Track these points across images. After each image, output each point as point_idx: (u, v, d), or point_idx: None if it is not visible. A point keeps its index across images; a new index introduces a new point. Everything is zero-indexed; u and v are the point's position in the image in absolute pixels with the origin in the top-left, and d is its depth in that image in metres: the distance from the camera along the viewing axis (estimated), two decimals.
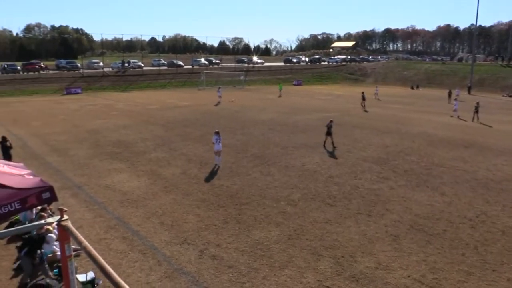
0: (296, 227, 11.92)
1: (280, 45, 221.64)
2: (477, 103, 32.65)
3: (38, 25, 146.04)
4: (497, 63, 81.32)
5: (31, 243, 9.28)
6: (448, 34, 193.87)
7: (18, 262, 9.84)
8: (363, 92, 40.75)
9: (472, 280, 9.18)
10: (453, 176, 16.99)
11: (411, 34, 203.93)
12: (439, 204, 13.81)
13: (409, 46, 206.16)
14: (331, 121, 22.60)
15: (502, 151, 21.49)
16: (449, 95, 46.98)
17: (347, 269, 9.59)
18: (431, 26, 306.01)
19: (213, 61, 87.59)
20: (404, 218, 12.58)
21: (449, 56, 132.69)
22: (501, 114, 34.74)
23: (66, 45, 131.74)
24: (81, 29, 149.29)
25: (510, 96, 56.98)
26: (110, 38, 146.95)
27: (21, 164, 10.98)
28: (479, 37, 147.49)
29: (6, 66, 65.60)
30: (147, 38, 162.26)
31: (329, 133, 22.15)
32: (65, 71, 67.74)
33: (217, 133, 18.11)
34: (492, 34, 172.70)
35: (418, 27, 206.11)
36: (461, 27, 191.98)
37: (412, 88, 69.33)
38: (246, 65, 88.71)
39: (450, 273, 9.45)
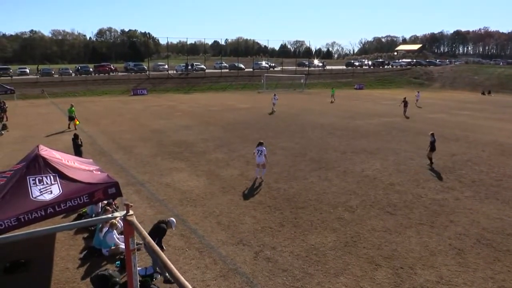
0: (353, 234, 11.64)
1: (342, 48, 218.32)
2: None
3: (109, 29, 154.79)
4: None
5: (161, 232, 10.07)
6: None
7: (85, 252, 10.45)
8: (405, 98, 38.22)
9: None
10: None
11: (483, 36, 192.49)
12: (510, 219, 12.88)
13: (481, 49, 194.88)
14: (431, 134, 19.64)
15: None
16: None
17: (405, 281, 9.21)
18: (506, 28, 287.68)
19: (269, 65, 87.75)
20: (470, 232, 11.86)
21: None
22: None
23: (134, 48, 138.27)
24: (148, 33, 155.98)
25: None
26: (175, 41, 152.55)
27: (91, 160, 11.68)
28: None
29: (79, 67, 70.18)
30: (210, 41, 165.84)
31: (433, 149, 19.27)
32: (133, 73, 71.13)
33: (260, 144, 16.28)
34: None
35: (492, 28, 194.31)
36: None
37: (483, 93, 65.43)
38: (312, 68, 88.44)
39: None
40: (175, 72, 74.17)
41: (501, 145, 23.78)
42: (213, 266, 9.82)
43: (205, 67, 78.12)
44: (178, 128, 28.81)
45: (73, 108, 28.51)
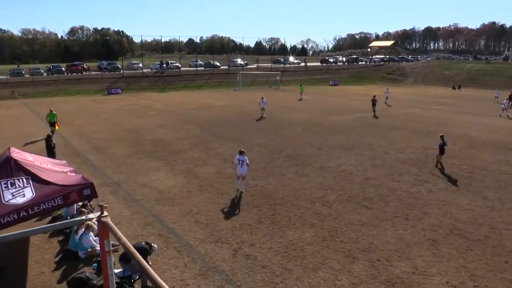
0: (331, 228, 11.79)
1: (317, 45, 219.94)
2: None
3: (82, 28, 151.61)
4: None
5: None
6: (493, 32, 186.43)
7: (61, 255, 10.25)
8: (374, 96, 35.94)
9: None
10: (497, 180, 16.31)
11: (453, 33, 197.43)
12: (481, 209, 13.29)
13: (451, 45, 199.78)
14: (441, 136, 18.18)
15: None
16: (510, 98, 40.41)
17: (382, 273, 9.40)
18: (474, 24, 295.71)
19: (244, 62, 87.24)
20: (443, 223, 12.19)
21: (493, 55, 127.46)
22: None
23: (107, 46, 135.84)
24: (122, 31, 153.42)
25: None
26: (149, 39, 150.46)
27: (64, 161, 11.43)
28: None
29: (51, 67, 68.46)
30: (185, 39, 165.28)
31: (442, 152, 18.01)
32: (106, 72, 69.89)
33: (242, 153, 14.51)
34: None
35: (461, 25, 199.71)
36: (507, 25, 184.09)
37: (453, 88, 67.10)
38: (288, 65, 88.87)
39: (492, 281, 9.07)
40: (149, 70, 73.25)
41: (471, 138, 24.47)
42: (192, 265, 9.78)
43: (180, 65, 77.47)
44: (154, 127, 28.51)
45: (54, 112, 25.24)
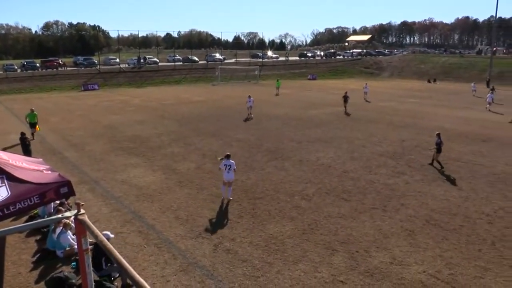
0: (310, 221, 11.91)
1: (295, 40, 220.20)
2: None
3: (56, 23, 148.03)
4: None
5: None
6: (467, 26, 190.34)
7: (38, 255, 10.07)
8: (346, 93, 34.02)
9: (489, 276, 9.06)
10: (471, 171, 16.75)
11: (428, 27, 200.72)
12: (456, 199, 13.64)
13: (426, 39, 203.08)
14: (438, 134, 17.53)
15: None
16: (492, 91, 39.48)
17: (361, 264, 9.56)
18: (449, 19, 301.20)
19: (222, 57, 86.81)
20: (419, 213, 12.46)
21: (467, 49, 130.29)
22: (504, 107, 34.07)
23: (83, 42, 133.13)
24: (98, 26, 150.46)
25: None
26: (126, 34, 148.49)
27: (40, 159, 11.19)
28: (499, 29, 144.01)
29: (25, 63, 66.71)
30: (162, 34, 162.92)
31: (439, 150, 17.35)
32: (83, 68, 68.56)
33: (228, 157, 13.36)
34: None
35: (436, 19, 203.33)
36: (480, 19, 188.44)
37: (429, 81, 68.31)
38: (266, 59, 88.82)
39: (467, 268, 9.35)
40: (127, 66, 72.20)
41: (446, 131, 24.97)
42: (172, 261, 9.75)
43: (158, 60, 76.55)
44: (132, 123, 28.17)
45: (35, 113, 23.55)
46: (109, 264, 9.15)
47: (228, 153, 13.66)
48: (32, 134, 22.62)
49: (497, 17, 73.37)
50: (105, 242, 4.13)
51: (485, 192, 14.34)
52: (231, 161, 13.24)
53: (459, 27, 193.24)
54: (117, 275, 9.08)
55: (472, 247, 10.37)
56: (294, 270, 9.35)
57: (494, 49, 77.48)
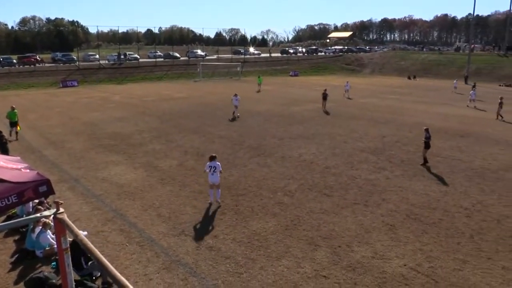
0: (293, 217, 11.96)
1: (277, 36, 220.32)
2: (501, 98, 29.02)
3: (33, 18, 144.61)
4: (494, 53, 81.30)
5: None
6: (446, 23, 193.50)
7: (17, 255, 9.87)
8: (325, 90, 32.80)
9: (468, 268, 9.26)
10: (449, 166, 17.06)
11: (408, 24, 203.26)
12: (435, 194, 13.88)
13: (406, 36, 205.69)
14: (426, 129, 17.43)
15: (498, 141, 21.56)
16: (473, 88, 39.44)
17: (343, 259, 9.66)
18: (428, 16, 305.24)
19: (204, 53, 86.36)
20: (400, 208, 12.64)
21: (446, 46, 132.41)
22: (485, 103, 34.70)
23: (61, 37, 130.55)
24: (77, 22, 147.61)
25: (507, 86, 57.04)
26: (105, 30, 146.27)
27: (18, 157, 10.96)
28: (476, 26, 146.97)
29: (1, 59, 65.09)
30: (143, 30, 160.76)
31: (427, 146, 17.21)
32: (61, 64, 67.26)
33: (213, 158, 12.68)
34: (489, 24, 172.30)
35: (416, 17, 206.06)
36: (459, 17, 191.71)
37: (409, 78, 69.24)
38: (248, 56, 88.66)
39: (446, 261, 9.53)
40: (107, 62, 71.13)
41: (426, 126, 25.35)
42: (155, 259, 9.68)
43: (138, 57, 75.69)
44: (112, 120, 27.80)
45: (15, 111, 22.54)
46: (90, 263, 9.03)
47: (214, 155, 12.95)
48: (16, 133, 21.87)
49: (474, 14, 74.74)
50: (85, 241, 4.06)
51: (464, 186, 14.64)
52: (216, 162, 12.55)
53: (438, 24, 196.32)
54: (99, 274, 8.96)
55: (451, 240, 10.57)
56: (277, 266, 9.39)
57: (472, 46, 78.94)
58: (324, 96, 32.14)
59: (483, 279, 8.87)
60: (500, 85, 57.35)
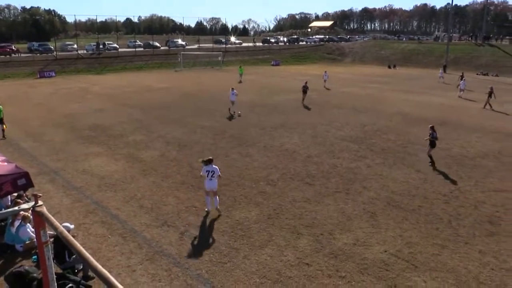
0: (276, 206, 12.05)
1: (258, 25, 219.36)
2: (491, 88, 28.97)
3: (8, 7, 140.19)
4: (472, 42, 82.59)
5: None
6: (425, 13, 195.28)
7: None
8: (306, 83, 31.07)
9: (446, 253, 9.50)
10: None
11: (388, 14, 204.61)
12: (415, 181, 14.14)
13: (386, 26, 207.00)
14: (431, 127, 16.25)
15: (475, 129, 22.02)
16: (461, 78, 38.49)
17: (326, 246, 9.79)
18: (408, 6, 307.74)
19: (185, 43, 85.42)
20: (381, 195, 12.85)
21: (425, 35, 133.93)
22: (475, 93, 35.43)
23: (38, 27, 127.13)
24: (53, 10, 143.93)
25: (484, 75, 58.10)
26: (83, 19, 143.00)
27: None
28: (455, 16, 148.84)
29: None
30: (122, 19, 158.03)
31: (433, 145, 16.17)
32: (38, 54, 65.60)
33: (210, 161, 11.47)
34: (467, 14, 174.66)
35: (396, 6, 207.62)
36: (437, 6, 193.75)
37: (389, 67, 69.88)
38: (229, 45, 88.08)
39: (425, 247, 9.75)
40: (85, 52, 69.66)
41: (405, 115, 25.78)
42: (138, 250, 9.64)
43: (118, 46, 74.30)
44: (92, 111, 27.35)
45: (0, 107, 20.80)
46: (73, 256, 8.94)
47: (211, 157, 11.71)
48: (2, 130, 20.37)
49: (453, 4, 75.52)
50: (65, 233, 4.01)
51: (442, 173, 14.95)
52: (214, 166, 11.34)
53: (418, 14, 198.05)
54: (81, 266, 8.89)
55: (430, 226, 10.82)
56: (261, 254, 9.46)
57: (451, 35, 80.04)
58: (304, 90, 30.37)
59: (460, 263, 9.12)
60: (477, 74, 58.36)
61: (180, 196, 12.84)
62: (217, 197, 11.70)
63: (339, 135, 20.43)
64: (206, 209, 11.66)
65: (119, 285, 3.00)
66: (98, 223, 11.02)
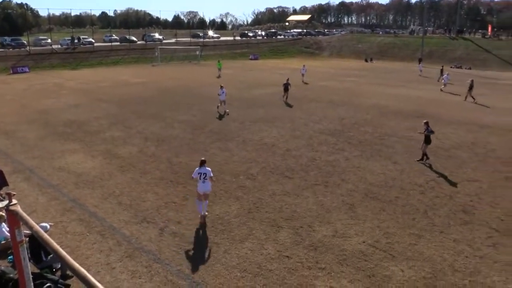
0: (256, 200, 12.09)
1: (236, 19, 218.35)
2: (471, 81, 29.43)
3: None
4: (446, 36, 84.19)
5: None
6: (401, 7, 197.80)
7: None
8: (287, 80, 29.55)
9: (422, 242, 9.73)
10: (405, 146, 17.68)
11: (365, 8, 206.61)
12: (392, 173, 14.39)
13: (363, 20, 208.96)
14: (426, 123, 15.53)
15: (450, 121, 22.50)
16: (441, 72, 41.37)
17: (305, 239, 9.89)
18: (384, 0, 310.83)
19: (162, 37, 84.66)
20: (359, 187, 13.03)
21: (401, 29, 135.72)
22: (449, 86, 36.15)
23: (10, 21, 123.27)
24: (26, 4, 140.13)
25: (457, 68, 59.33)
26: (57, 13, 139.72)
27: None
28: (430, 10, 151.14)
29: None
30: (97, 13, 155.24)
31: (428, 141, 15.48)
32: (10, 49, 63.78)
33: (203, 163, 10.79)
34: (441, 8, 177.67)
35: (372, 0, 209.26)
36: (413, 0, 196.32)
37: (366, 61, 70.65)
38: (207, 39, 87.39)
39: (402, 237, 9.96)
40: (60, 47, 68.07)
41: (382, 108, 26.15)
42: (117, 247, 9.54)
43: (93, 41, 72.86)
44: (67, 107, 26.79)
45: None
46: (50, 256, 8.79)
47: (203, 159, 11.01)
48: None
49: None
50: (40, 232, 3.93)
51: (418, 165, 15.25)
52: (207, 168, 10.72)
53: (394, 7, 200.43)
54: (59, 265, 8.75)
55: (406, 216, 11.04)
56: (241, 248, 9.50)
57: (426, 29, 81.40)
58: (286, 87, 28.89)
59: (436, 252, 9.35)
60: (451, 67, 59.54)
61: (159, 192, 12.74)
62: (207, 202, 11.10)
63: (317, 129, 20.59)
64: (199, 216, 10.89)
65: (96, 282, 2.97)
66: (75, 221, 10.84)
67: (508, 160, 15.98)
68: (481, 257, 9.18)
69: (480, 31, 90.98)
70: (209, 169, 10.76)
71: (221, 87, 25.08)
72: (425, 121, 15.77)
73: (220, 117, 23.74)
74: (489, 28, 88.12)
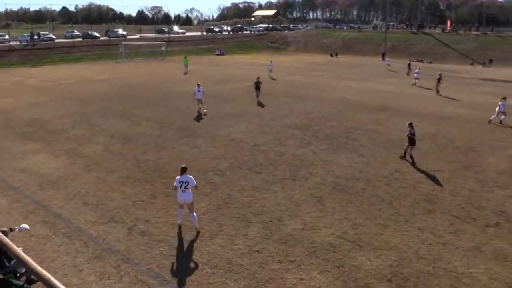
0: (225, 196, 12.09)
1: (202, 14, 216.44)
2: (440, 74, 30.42)
3: None
4: (408, 31, 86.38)
5: None
6: (364, 2, 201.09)
7: None
8: (258, 78, 28.04)
9: (388, 232, 10.01)
10: (370, 138, 18.09)
11: (329, 3, 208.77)
12: (358, 165, 14.70)
13: (328, 15, 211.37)
14: (410, 124, 15.20)
15: (413, 113, 23.13)
16: (409, 66, 42.61)
17: (275, 233, 9.98)
18: None
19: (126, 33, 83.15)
20: (326, 180, 13.25)
21: (365, 24, 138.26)
22: (411, 79, 37.18)
23: None
24: None
25: (419, 61, 61.04)
26: (15, 8, 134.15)
27: None
28: (392, 5, 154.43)
29: None
30: (57, 8, 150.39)
31: (412, 142, 15.15)
32: None
33: (184, 170, 10.17)
34: (403, 3, 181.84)
35: None
36: None
37: (331, 55, 71.65)
38: (172, 35, 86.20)
39: (369, 227, 10.22)
40: (18, 43, 65.49)
41: (348, 102, 26.63)
42: (84, 249, 9.34)
43: (54, 37, 70.51)
44: (28, 105, 25.87)
45: None
46: (13, 261, 8.50)
47: (184, 166, 10.41)
48: None
49: None
50: (0, 236, 3.78)
51: (383, 157, 15.64)
52: (188, 176, 10.03)
53: (357, 3, 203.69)
54: (23, 270, 8.48)
55: (373, 207, 11.33)
56: (211, 244, 9.49)
57: (388, 24, 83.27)
58: (257, 85, 27.53)
59: (401, 240, 9.65)
60: (413, 61, 61.14)
61: (127, 191, 12.54)
62: (195, 214, 10.10)
63: (285, 123, 20.75)
64: (178, 222, 10.41)
65: (61, 286, 2.90)
66: (40, 223, 10.53)
67: (467, 150, 16.64)
68: (443, 244, 9.54)
69: (439, 26, 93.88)
70: (191, 177, 10.06)
71: (198, 85, 23.63)
72: (408, 122, 15.37)
73: (199, 118, 23.20)
74: (448, 23, 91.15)
